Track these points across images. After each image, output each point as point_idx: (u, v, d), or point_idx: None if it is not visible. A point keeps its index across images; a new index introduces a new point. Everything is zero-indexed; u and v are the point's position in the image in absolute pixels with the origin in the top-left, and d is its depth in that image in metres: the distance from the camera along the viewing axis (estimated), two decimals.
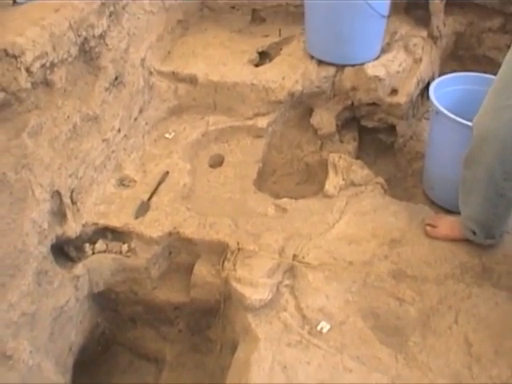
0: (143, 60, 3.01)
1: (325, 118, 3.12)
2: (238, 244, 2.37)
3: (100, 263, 2.48)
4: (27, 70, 2.02)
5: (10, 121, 2.04)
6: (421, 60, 3.13)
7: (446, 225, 2.43)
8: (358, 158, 3.06)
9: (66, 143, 2.34)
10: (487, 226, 2.28)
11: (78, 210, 2.45)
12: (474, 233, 2.31)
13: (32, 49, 2.02)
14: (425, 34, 3.29)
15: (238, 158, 3.01)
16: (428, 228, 2.44)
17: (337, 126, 3.15)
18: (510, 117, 1.94)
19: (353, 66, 3.02)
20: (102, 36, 2.54)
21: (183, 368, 2.67)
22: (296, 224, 2.52)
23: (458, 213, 2.48)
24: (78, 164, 2.43)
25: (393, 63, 3.01)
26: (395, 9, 3.16)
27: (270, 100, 3.07)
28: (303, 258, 2.32)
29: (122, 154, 2.82)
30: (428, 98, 2.68)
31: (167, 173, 2.78)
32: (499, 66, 2.06)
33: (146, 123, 3.05)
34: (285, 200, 2.70)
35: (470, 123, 2.18)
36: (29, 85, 2.05)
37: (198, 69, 3.19)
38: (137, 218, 2.53)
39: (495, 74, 2.10)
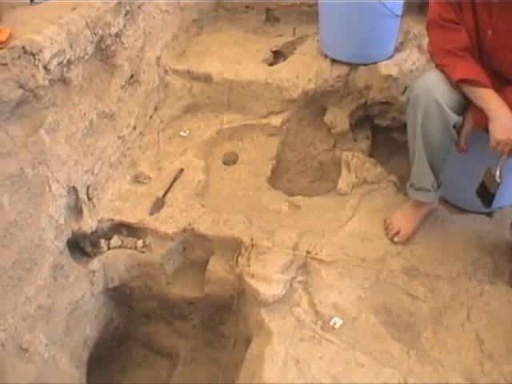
0: (158, 58, 3.04)
1: (338, 117, 3.13)
2: (251, 240, 2.39)
3: (115, 259, 2.51)
4: (45, 67, 2.04)
5: (27, 117, 2.06)
6: None
7: (398, 216, 2.42)
8: (371, 156, 3.07)
9: (83, 140, 2.37)
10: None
11: (94, 206, 2.48)
12: (429, 190, 2.30)
13: (50, 46, 2.04)
14: None
15: (252, 156, 3.03)
16: (392, 237, 2.40)
17: (350, 124, 3.16)
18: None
19: (366, 65, 3.02)
20: (118, 34, 2.57)
21: (197, 363, 2.70)
22: (309, 221, 2.53)
23: (471, 211, 2.48)
24: (94, 160, 2.46)
25: (406, 62, 3.01)
26: (409, 8, 3.18)
27: (284, 98, 3.09)
28: (316, 254, 2.33)
29: (138, 151, 2.85)
30: None
31: (182, 170, 2.80)
32: None
33: (161, 121, 3.08)
34: (298, 197, 2.73)
35: None
36: (46, 82, 2.07)
37: (213, 67, 3.21)
38: (152, 214, 2.56)
39: None
